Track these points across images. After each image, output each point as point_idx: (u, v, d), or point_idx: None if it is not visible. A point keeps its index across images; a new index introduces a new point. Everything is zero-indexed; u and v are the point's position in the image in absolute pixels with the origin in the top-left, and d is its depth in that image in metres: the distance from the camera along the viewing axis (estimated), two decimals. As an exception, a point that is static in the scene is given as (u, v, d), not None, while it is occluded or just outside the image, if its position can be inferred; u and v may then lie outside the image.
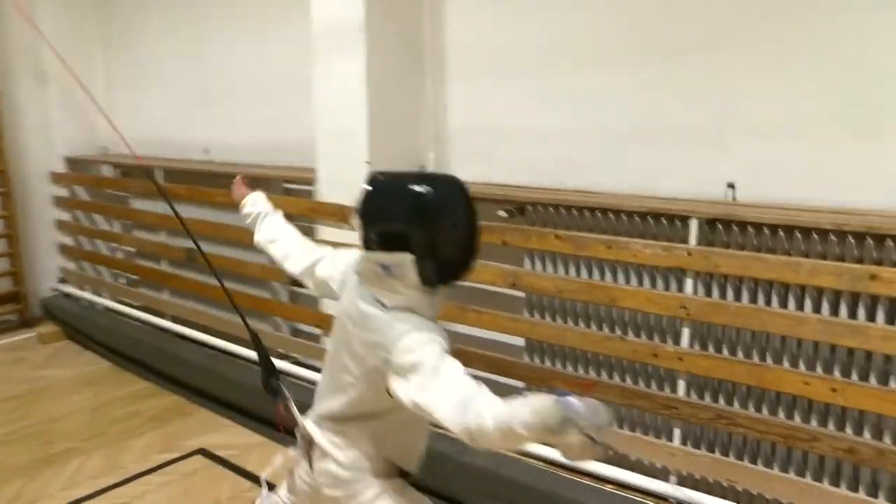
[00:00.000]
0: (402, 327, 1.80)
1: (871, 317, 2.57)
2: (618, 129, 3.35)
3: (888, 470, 2.56)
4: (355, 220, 1.88)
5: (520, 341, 3.52)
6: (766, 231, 2.78)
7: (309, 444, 2.13)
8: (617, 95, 3.33)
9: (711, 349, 2.95)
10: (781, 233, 2.74)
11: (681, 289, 2.97)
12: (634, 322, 3.13)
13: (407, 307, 1.86)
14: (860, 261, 2.60)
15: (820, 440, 2.65)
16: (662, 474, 3.10)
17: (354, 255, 2.03)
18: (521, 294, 3.48)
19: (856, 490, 2.66)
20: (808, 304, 2.70)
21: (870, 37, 2.70)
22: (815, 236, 2.67)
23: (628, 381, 3.18)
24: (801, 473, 2.78)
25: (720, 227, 2.89)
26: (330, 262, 2.22)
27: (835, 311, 2.64)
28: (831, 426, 2.69)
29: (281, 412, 2.25)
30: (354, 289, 1.98)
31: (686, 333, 2.98)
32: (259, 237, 2.43)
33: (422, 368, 1.72)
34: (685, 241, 2.93)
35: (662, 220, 3.00)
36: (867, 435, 2.62)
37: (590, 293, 3.17)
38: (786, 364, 2.77)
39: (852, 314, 2.61)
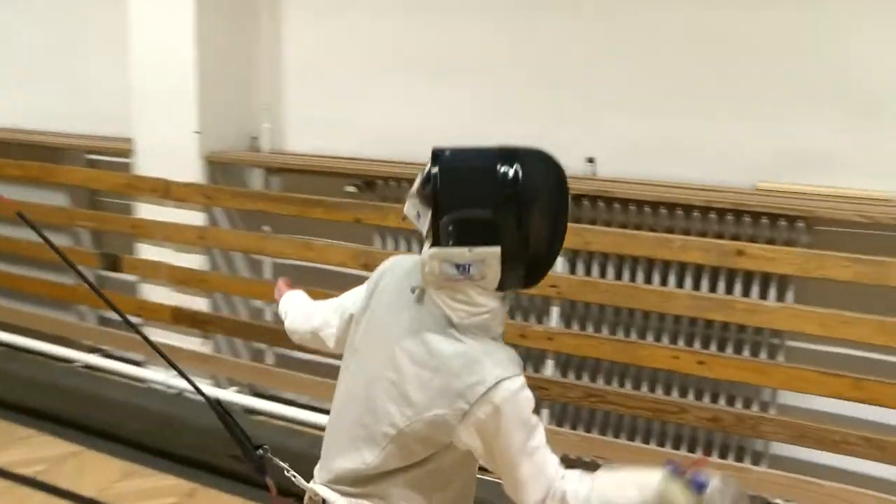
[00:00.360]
0: (494, 371, 1.38)
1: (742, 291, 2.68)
2: (475, 101, 3.21)
3: (748, 435, 2.68)
4: (416, 208, 1.44)
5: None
6: (632, 207, 2.78)
7: None
8: (475, 66, 3.19)
9: (577, 327, 2.93)
10: (648, 209, 2.75)
11: (549, 266, 2.91)
12: (500, 303, 3.04)
13: (482, 324, 1.44)
14: (721, 236, 2.67)
15: (687, 411, 2.71)
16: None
17: (363, 289, 1.63)
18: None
19: (725, 457, 2.76)
20: (672, 280, 2.75)
21: (728, 18, 2.76)
22: (680, 212, 2.71)
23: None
24: (675, 446, 2.85)
25: (585, 202, 2.86)
26: (337, 308, 1.75)
27: (702, 286, 2.72)
28: (704, 399, 2.79)
29: (274, 488, 1.68)
30: (401, 309, 1.51)
31: (555, 312, 2.93)
32: (286, 325, 1.93)
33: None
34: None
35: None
36: (738, 405, 2.73)
37: (451, 274, 3.03)
38: (652, 339, 2.81)
39: (717, 288, 2.70)
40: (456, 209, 1.38)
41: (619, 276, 2.83)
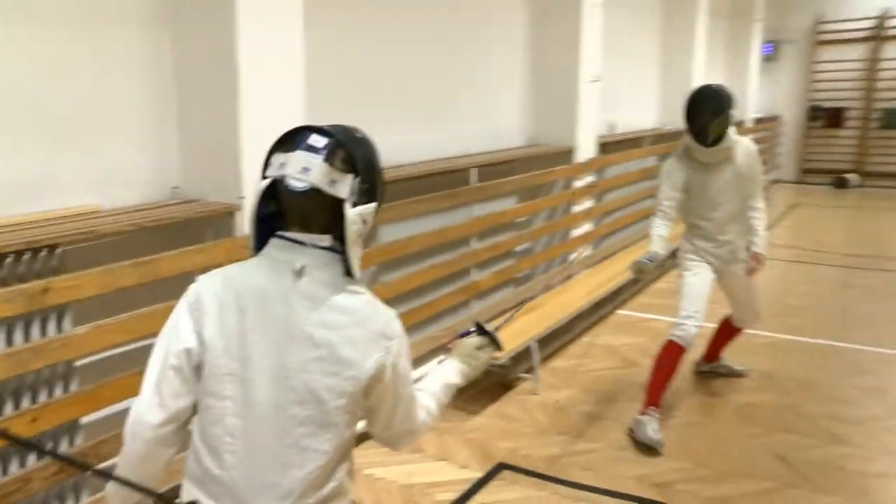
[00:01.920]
0: (385, 306, 1.65)
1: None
2: None
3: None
4: (329, 175, 1.51)
5: None
6: None
7: None
8: None
9: None
10: None
11: None
12: None
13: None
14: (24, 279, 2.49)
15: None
16: None
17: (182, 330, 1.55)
18: None
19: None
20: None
21: None
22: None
23: None
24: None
25: None
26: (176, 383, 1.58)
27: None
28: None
29: None
30: (280, 299, 1.54)
31: None
32: None
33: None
34: None
35: None
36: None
37: None
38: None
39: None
40: (365, 172, 1.57)
41: None
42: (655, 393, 4.03)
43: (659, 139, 8.28)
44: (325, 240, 1.56)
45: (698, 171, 4.09)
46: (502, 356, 3.82)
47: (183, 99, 3.21)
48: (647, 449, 3.84)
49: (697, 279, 4.13)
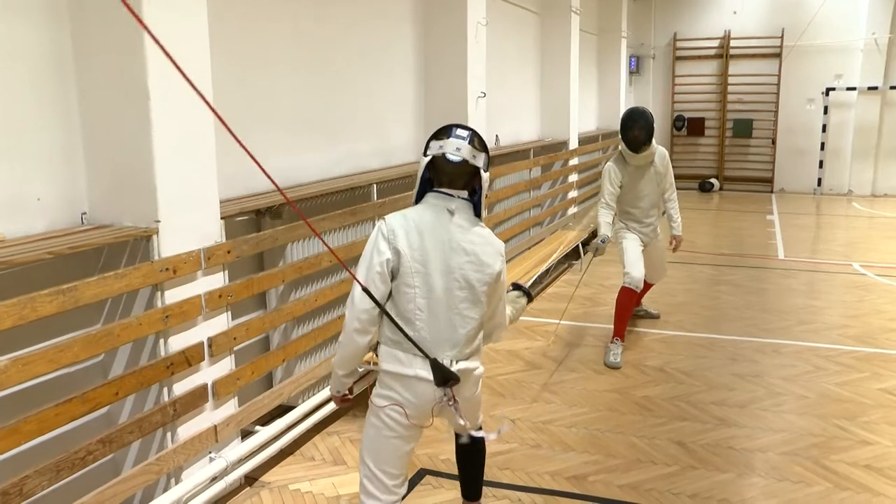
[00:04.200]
0: (501, 242, 2.69)
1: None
2: None
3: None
4: (471, 153, 2.53)
5: None
6: None
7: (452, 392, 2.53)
8: None
9: None
10: None
11: None
12: None
13: None
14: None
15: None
16: None
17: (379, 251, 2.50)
18: None
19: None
20: None
21: None
22: None
23: None
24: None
25: None
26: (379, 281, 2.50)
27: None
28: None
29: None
30: (444, 229, 2.53)
31: None
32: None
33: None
34: None
35: None
36: None
37: None
38: None
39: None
40: (488, 154, 2.62)
41: None
42: (620, 327, 5.46)
43: (541, 150, 8.65)
44: (464, 193, 2.59)
45: (630, 171, 5.48)
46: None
47: (90, 125, 3.15)
48: (561, 445, 4.07)
49: (632, 244, 5.58)
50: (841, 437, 4.16)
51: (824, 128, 14.05)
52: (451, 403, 2.50)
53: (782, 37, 14.01)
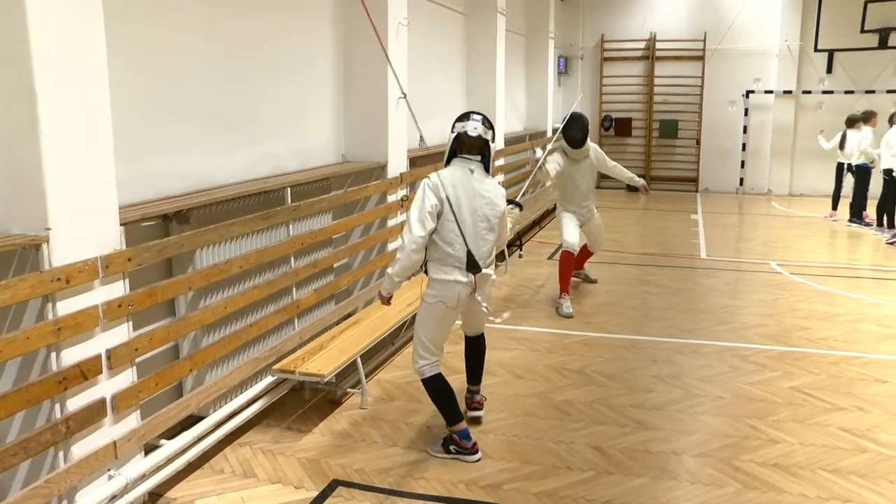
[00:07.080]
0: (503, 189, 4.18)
1: None
2: None
3: None
4: (479, 130, 3.94)
5: None
6: None
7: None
8: None
9: None
10: None
11: None
12: None
13: None
14: None
15: None
16: None
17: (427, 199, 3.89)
18: None
19: None
20: None
21: None
22: None
23: None
24: None
25: None
26: (426, 218, 3.86)
27: None
28: None
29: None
30: (470, 183, 3.93)
31: None
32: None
33: None
34: None
35: None
36: None
37: None
38: None
39: None
40: (493, 131, 4.06)
41: None
42: (564, 284, 6.80)
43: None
44: (479, 157, 4.00)
45: (569, 162, 6.86)
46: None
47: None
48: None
49: (569, 218, 6.99)
50: (752, 437, 4.23)
51: (745, 129, 14.45)
52: (472, 292, 3.94)
53: (705, 40, 14.34)
